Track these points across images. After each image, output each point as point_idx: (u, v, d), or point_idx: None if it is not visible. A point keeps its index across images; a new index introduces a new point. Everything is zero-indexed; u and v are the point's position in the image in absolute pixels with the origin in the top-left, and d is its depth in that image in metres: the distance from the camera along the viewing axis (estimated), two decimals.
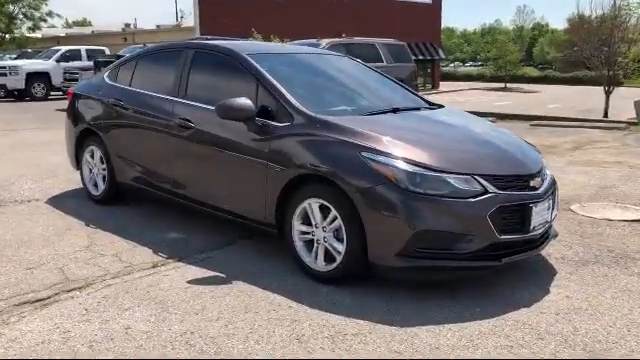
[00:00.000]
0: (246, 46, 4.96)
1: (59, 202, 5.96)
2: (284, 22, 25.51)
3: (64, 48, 22.68)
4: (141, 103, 5.23)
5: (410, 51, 16.29)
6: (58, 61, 21.01)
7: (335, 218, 3.76)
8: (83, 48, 22.49)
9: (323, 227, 3.85)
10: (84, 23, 75.92)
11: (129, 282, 3.94)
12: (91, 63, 18.17)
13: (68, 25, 71.63)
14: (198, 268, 4.20)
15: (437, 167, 3.58)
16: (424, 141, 3.92)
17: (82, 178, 6.06)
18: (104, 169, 5.71)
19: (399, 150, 3.68)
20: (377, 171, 3.58)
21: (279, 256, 4.36)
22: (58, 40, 38.29)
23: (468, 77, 48.02)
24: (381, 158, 3.62)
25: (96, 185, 5.86)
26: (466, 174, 3.59)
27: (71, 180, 6.74)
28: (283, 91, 4.22)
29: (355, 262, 3.71)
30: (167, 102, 4.96)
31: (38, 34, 42.09)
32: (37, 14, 37.63)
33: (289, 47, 5.85)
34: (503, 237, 3.60)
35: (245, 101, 4.18)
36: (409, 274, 3.63)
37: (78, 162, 6.08)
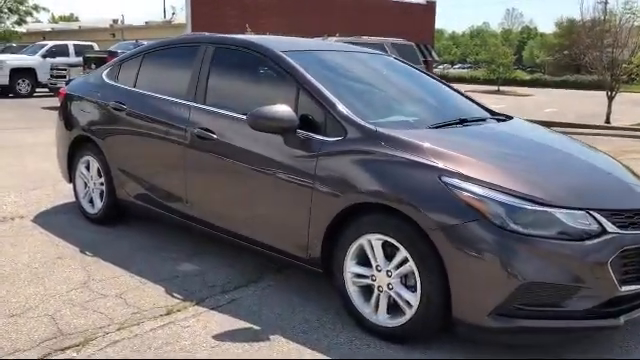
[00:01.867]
0: (279, 42, 4.14)
1: (48, 220, 5.09)
2: (277, 20, 24.78)
3: (50, 43, 21.55)
4: (149, 108, 4.39)
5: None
6: (44, 56, 19.90)
7: (405, 261, 2.97)
8: (71, 43, 21.38)
9: (387, 271, 3.05)
10: (71, 18, 74.36)
11: (140, 337, 3.11)
12: (80, 59, 17.14)
13: (54, 20, 70.17)
14: (223, 315, 3.38)
15: (542, 199, 2.79)
16: (516, 164, 3.14)
17: (75, 193, 5.20)
18: (102, 183, 4.86)
19: (490, 175, 2.89)
20: (465, 203, 2.78)
21: (321, 299, 3.57)
22: (44, 35, 37.03)
23: (460, 79, 47.54)
24: (469, 186, 2.82)
25: (92, 202, 5.01)
26: (579, 209, 2.80)
27: (61, 192, 5.88)
28: (332, 98, 3.41)
29: (431, 318, 2.91)
30: (182, 108, 4.12)
31: (23, 29, 40.80)
32: (23, 8, 36.34)
33: (325, 43, 5.04)
34: (624, 289, 2.81)
35: (285, 109, 3.37)
36: (506, 338, 2.83)
37: (71, 174, 5.21)
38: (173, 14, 38.04)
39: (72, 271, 3.97)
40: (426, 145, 3.08)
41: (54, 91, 16.37)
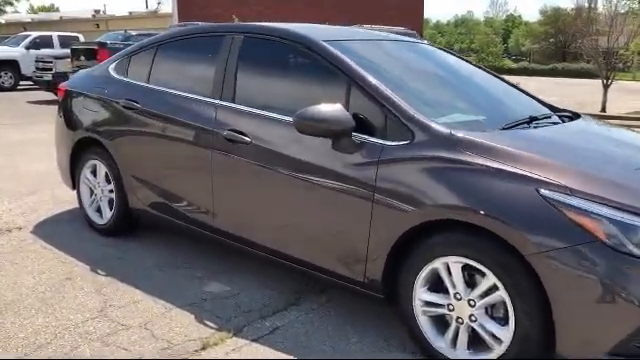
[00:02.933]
0: (320, 30, 3.64)
1: (50, 232, 4.56)
2: (266, 9, 24.20)
3: (34, 34, 20.72)
4: (166, 106, 3.87)
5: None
6: (28, 48, 19.11)
7: (493, 288, 2.51)
8: (55, 34, 20.56)
9: (469, 300, 2.59)
10: (51, 9, 72.81)
11: None
12: (65, 51, 16.40)
13: (33, 10, 68.62)
14: (268, 349, 2.91)
15: None
16: (619, 173, 2.68)
17: (80, 201, 4.67)
18: (111, 191, 4.34)
19: (595, 187, 2.43)
20: (572, 221, 2.33)
21: (377, 326, 3.12)
22: (24, 26, 35.99)
23: None
24: (575, 201, 2.37)
25: (100, 211, 4.49)
26: None
27: (61, 197, 5.35)
28: (393, 96, 2.93)
29: (527, 356, 2.47)
30: (206, 106, 3.62)
31: (1, 19, 39.71)
32: None
33: (360, 32, 4.55)
34: None
35: (338, 109, 2.90)
36: None
37: (74, 179, 4.69)
38: (159, 3, 37.12)
39: (85, 295, 3.47)
40: (514, 151, 2.62)
41: (39, 84, 15.69)
